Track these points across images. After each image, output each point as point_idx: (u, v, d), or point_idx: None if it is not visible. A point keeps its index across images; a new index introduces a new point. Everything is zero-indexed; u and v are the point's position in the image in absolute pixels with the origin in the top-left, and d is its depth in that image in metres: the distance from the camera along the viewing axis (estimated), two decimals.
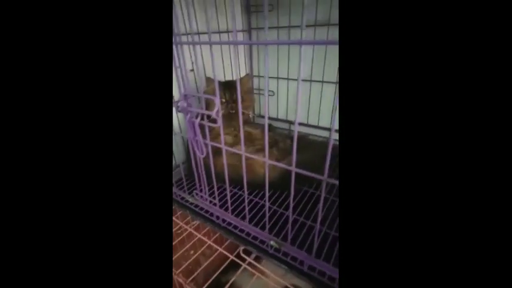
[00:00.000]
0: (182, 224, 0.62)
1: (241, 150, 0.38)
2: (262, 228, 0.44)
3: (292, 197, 0.36)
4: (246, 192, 0.42)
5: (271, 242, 0.43)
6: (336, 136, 0.29)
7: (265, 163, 0.35)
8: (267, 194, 0.38)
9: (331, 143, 0.28)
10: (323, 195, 0.32)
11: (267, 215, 0.40)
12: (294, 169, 0.33)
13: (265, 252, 0.45)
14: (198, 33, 0.69)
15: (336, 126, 0.24)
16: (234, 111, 0.69)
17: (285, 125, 0.90)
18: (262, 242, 0.46)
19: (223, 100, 0.69)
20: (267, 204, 0.39)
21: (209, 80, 0.69)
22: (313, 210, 0.54)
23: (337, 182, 0.30)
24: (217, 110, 0.36)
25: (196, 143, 0.43)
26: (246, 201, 0.43)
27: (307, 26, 0.72)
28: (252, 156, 0.37)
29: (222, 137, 0.39)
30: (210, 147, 0.43)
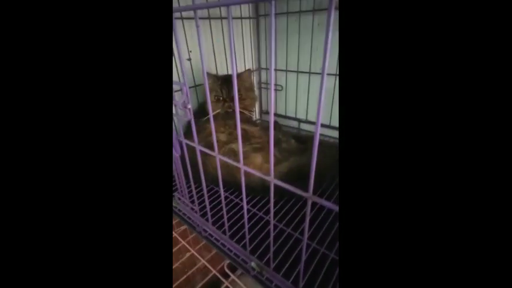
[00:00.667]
0: None
1: (215, 152, 0.30)
2: (244, 247, 0.36)
3: (273, 215, 0.28)
4: (225, 208, 0.35)
5: (252, 264, 0.35)
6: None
7: (241, 169, 0.28)
8: (246, 214, 0.31)
9: (316, 146, 0.20)
10: (308, 217, 0.24)
11: (247, 236, 0.33)
12: (272, 180, 0.25)
13: (248, 272, 0.38)
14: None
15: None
16: (231, 110, 0.62)
17: (294, 123, 0.81)
18: (245, 261, 0.38)
19: (221, 98, 0.62)
20: (247, 225, 0.32)
21: (208, 75, 0.63)
22: (312, 225, 0.45)
23: (324, 202, 0.22)
24: (183, 100, 0.29)
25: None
26: (226, 216, 0.36)
27: (320, 9, 0.62)
28: (228, 160, 0.30)
29: (195, 134, 0.32)
30: (185, 145, 0.36)
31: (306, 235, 0.25)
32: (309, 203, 0.23)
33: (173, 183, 0.55)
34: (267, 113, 0.88)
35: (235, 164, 0.28)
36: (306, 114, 0.78)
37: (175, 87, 0.31)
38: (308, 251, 0.39)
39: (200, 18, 0.62)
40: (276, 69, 0.79)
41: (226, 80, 0.63)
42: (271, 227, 0.28)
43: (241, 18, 0.73)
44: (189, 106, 0.30)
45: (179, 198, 0.47)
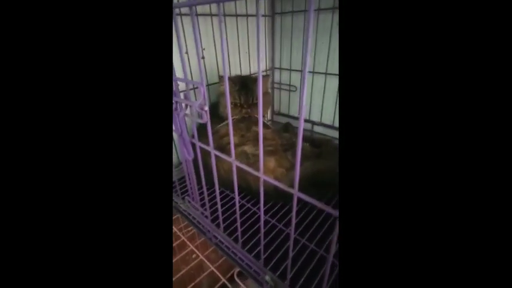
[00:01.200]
0: (175, 230, 0.55)
1: (232, 158, 0.28)
2: (257, 256, 0.34)
3: (294, 228, 0.26)
4: (238, 212, 0.33)
5: (266, 277, 0.33)
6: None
7: (260, 179, 0.26)
8: (262, 219, 0.29)
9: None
10: (335, 239, 0.21)
11: (262, 245, 0.31)
12: (296, 193, 0.23)
13: (261, 285, 0.36)
14: (212, 15, 0.60)
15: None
16: (248, 116, 0.60)
17: (307, 125, 0.79)
18: (257, 272, 0.36)
19: (238, 103, 0.59)
20: (262, 230, 0.30)
21: (222, 78, 0.61)
22: (327, 234, 0.43)
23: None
24: (200, 102, 0.27)
25: (184, 141, 0.35)
26: (239, 221, 0.34)
27: (334, 8, 0.60)
28: (247, 168, 0.28)
29: (211, 138, 0.30)
30: (198, 148, 0.34)
31: (332, 253, 0.23)
32: (338, 223, 0.21)
33: (184, 186, 0.54)
34: (279, 114, 0.85)
35: (255, 173, 0.26)
36: (321, 117, 0.75)
37: (189, 85, 0.29)
38: (327, 265, 0.37)
39: (214, 15, 0.60)
40: (290, 69, 0.77)
41: (243, 85, 0.60)
42: (292, 234, 0.26)
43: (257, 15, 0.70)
44: (206, 108, 0.28)
45: (189, 202, 0.45)
